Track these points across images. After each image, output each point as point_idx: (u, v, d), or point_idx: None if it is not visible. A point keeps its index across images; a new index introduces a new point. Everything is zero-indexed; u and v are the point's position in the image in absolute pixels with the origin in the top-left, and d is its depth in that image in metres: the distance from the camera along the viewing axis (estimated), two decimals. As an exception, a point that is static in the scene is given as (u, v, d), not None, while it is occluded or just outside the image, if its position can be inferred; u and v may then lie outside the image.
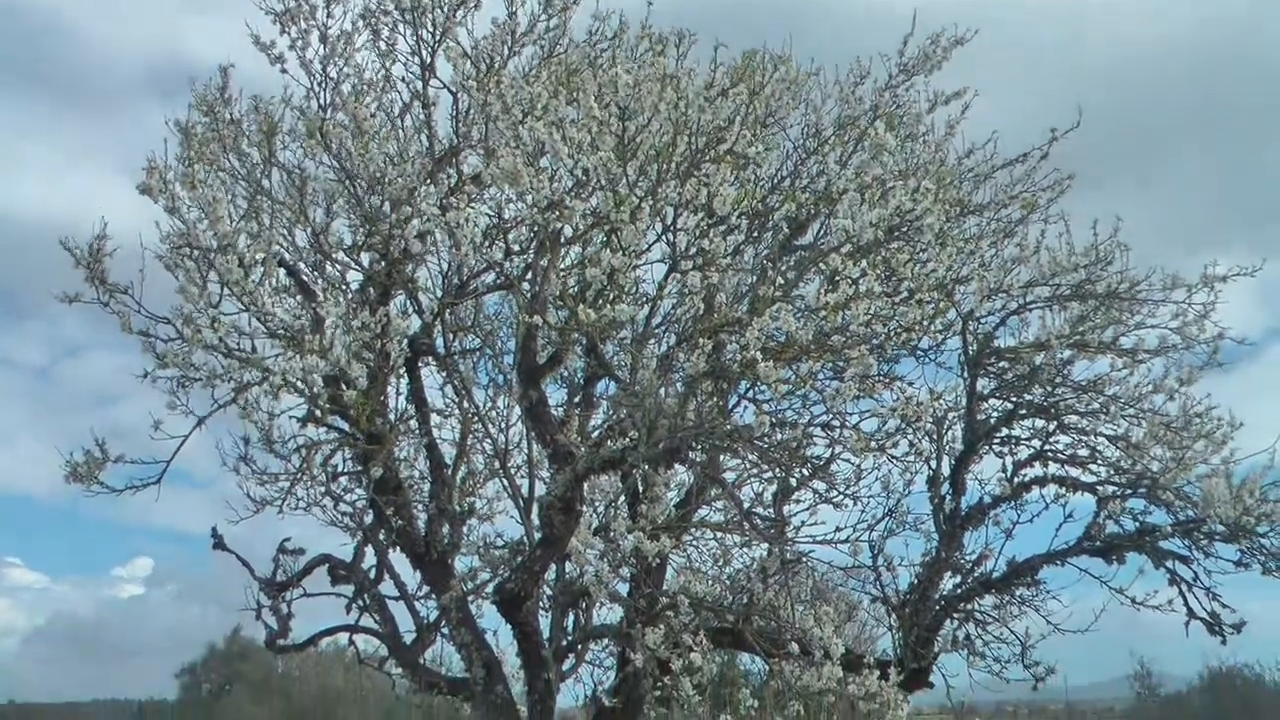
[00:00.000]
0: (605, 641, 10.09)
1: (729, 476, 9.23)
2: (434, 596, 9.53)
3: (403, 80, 9.30)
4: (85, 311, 8.40)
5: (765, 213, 8.71)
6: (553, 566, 9.26)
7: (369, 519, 9.57)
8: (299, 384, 8.03)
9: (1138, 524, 9.63)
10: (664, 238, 8.50)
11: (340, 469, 9.44)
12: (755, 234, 8.82)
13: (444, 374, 9.95)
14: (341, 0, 8.99)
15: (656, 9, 9.08)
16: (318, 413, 8.61)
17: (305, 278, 9.09)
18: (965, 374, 9.90)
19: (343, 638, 10.43)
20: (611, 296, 7.98)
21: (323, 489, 9.38)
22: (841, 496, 8.63)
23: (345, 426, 8.80)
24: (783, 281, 8.20)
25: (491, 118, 8.37)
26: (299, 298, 8.98)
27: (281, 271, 8.80)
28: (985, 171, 9.75)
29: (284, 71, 8.99)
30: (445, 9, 9.07)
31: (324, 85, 9.06)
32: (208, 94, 9.35)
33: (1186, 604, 9.45)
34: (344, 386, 7.99)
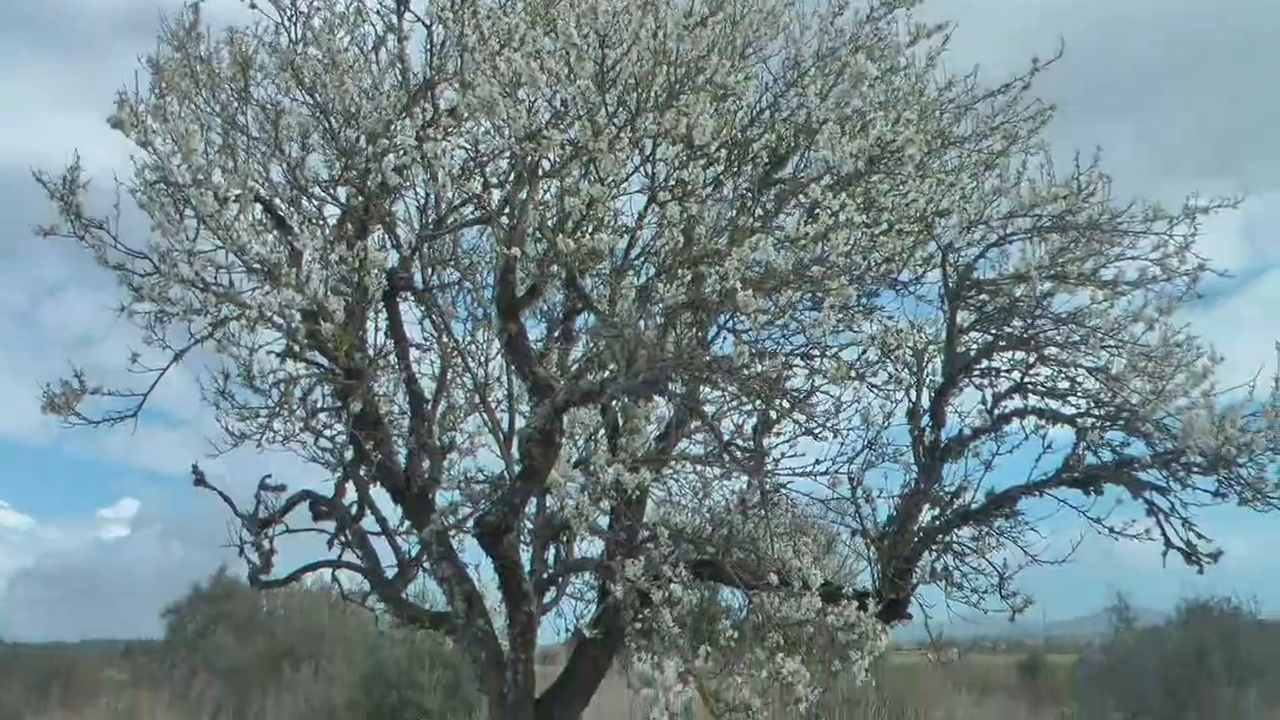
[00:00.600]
0: (586, 574, 10.17)
1: (709, 409, 9.22)
2: (415, 531, 9.54)
3: (376, 13, 9.21)
4: (63, 252, 8.35)
5: (744, 144, 8.67)
6: (533, 500, 9.29)
7: (349, 455, 9.55)
8: (276, 318, 7.99)
9: (1116, 455, 9.64)
10: (642, 169, 8.46)
11: (319, 404, 9.39)
12: (735, 166, 8.78)
13: (423, 308, 9.90)
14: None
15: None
16: (296, 347, 8.58)
17: (281, 213, 9.01)
18: (945, 306, 9.93)
19: (326, 576, 10.41)
20: (590, 228, 7.92)
21: (302, 424, 9.32)
22: (821, 429, 8.70)
23: (323, 361, 8.77)
24: (761, 213, 8.23)
25: (468, 49, 8.22)
26: (275, 233, 8.82)
27: (258, 207, 8.70)
28: (966, 103, 9.72)
29: (253, 7, 8.93)
30: (419, -64, 8.84)
31: (294, 19, 8.99)
32: (178, 30, 9.22)
33: (1164, 533, 9.47)
34: (322, 321, 7.90)
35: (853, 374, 8.09)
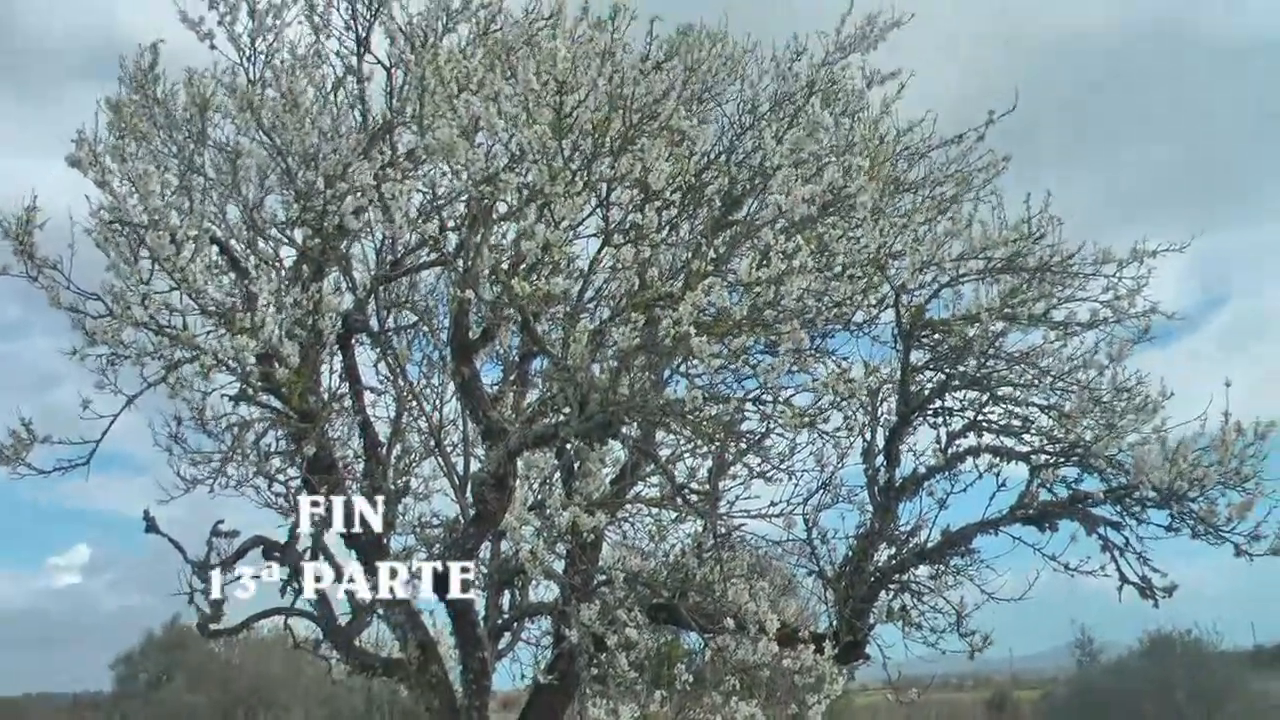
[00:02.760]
0: (542, 619, 10.23)
1: (664, 453, 9.37)
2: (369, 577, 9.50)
3: (336, 55, 9.40)
4: (19, 294, 8.34)
5: (699, 188, 8.83)
6: (488, 545, 9.43)
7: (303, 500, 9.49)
8: (230, 362, 8.05)
9: (1070, 491, 9.78)
10: (598, 212, 8.60)
11: (273, 449, 9.45)
12: (690, 209, 8.94)
13: (378, 351, 10.02)
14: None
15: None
16: (249, 391, 8.65)
17: (238, 255, 9.13)
18: (898, 346, 10.06)
19: (279, 623, 10.38)
20: (546, 271, 8.06)
21: (255, 469, 9.39)
22: (775, 471, 8.82)
23: (278, 405, 8.81)
24: (714, 256, 8.32)
25: (428, 90, 8.42)
26: (232, 275, 8.99)
27: (214, 249, 8.79)
28: (921, 149, 9.96)
29: (213, 48, 9.04)
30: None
31: (253, 60, 9.14)
32: (137, 72, 9.33)
33: (1119, 569, 9.57)
34: (276, 364, 8.04)
35: (806, 421, 8.21)
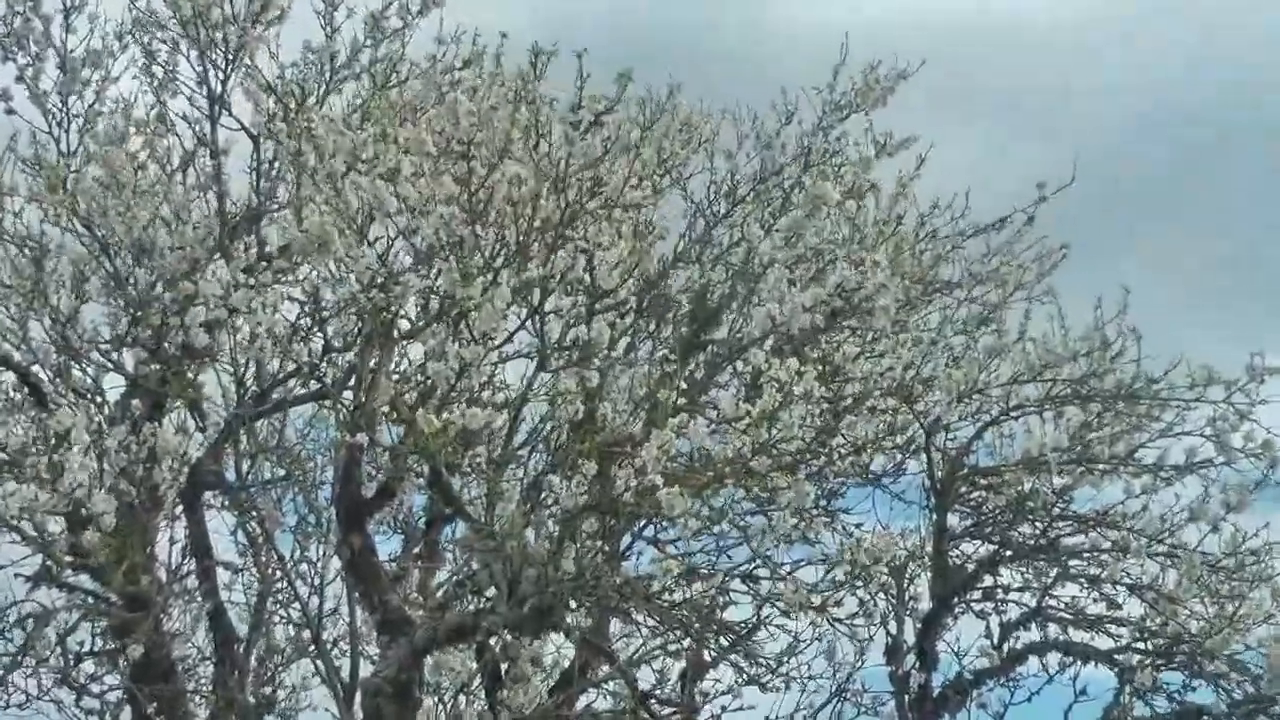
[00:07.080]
0: None
1: (621, 649, 8.99)
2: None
3: (183, 118, 9.17)
4: None
5: (663, 291, 8.67)
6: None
7: (125, 718, 8.95)
8: (25, 526, 7.58)
9: (1176, 704, 9.18)
10: (530, 325, 8.20)
11: (86, 648, 8.85)
12: (652, 320, 8.78)
13: (237, 514, 9.45)
14: (86, 11, 8.83)
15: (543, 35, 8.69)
16: (53, 567, 8.13)
17: (42, 384, 8.74)
18: (931, 506, 9.60)
19: None
20: (463, 400, 7.75)
21: (57, 677, 8.71)
22: (772, 675, 8.42)
23: (93, 587, 8.40)
24: (688, 384, 7.98)
25: (305, 168, 8.15)
26: (33, 412, 8.65)
27: (10, 377, 8.57)
28: (952, 237, 9.74)
29: (11, 112, 8.84)
30: (240, 23, 8.81)
31: (65, 126, 8.90)
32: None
33: None
34: (92, 530, 7.54)
35: (812, 605, 7.74)
